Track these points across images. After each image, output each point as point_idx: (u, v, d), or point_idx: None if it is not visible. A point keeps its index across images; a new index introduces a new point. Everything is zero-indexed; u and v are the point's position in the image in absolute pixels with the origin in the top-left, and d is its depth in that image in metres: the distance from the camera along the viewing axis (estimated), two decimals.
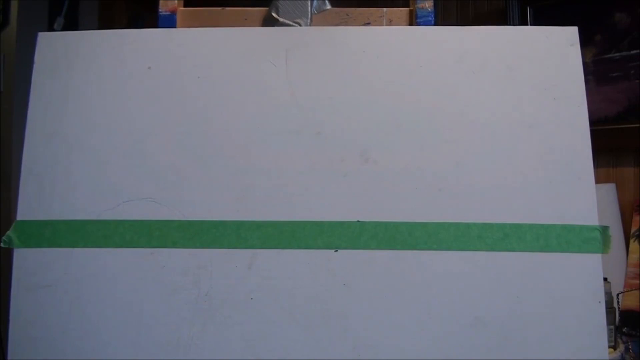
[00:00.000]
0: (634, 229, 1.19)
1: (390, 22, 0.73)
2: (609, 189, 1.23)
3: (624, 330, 1.06)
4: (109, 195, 0.60)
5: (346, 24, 0.73)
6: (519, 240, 0.57)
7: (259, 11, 0.73)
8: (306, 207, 0.59)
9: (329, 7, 0.72)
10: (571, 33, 0.62)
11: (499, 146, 0.60)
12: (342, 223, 0.59)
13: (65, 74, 0.63)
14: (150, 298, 0.58)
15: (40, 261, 0.59)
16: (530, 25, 1.32)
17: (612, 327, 0.98)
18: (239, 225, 0.59)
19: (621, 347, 1.01)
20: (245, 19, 0.73)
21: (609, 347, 0.96)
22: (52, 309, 0.58)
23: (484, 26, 0.63)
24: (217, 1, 0.75)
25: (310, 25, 0.70)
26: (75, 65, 0.63)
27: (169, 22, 0.72)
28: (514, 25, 1.34)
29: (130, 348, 0.57)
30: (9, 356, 0.58)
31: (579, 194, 0.58)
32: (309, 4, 0.70)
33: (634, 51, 1.22)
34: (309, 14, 0.70)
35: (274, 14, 0.70)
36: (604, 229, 0.57)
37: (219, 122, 0.62)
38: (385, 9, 0.73)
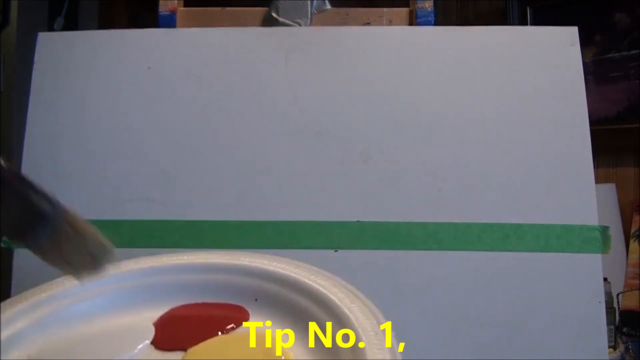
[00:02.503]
0: (634, 229, 1.19)
1: (390, 22, 0.73)
2: (609, 189, 1.23)
3: (624, 330, 1.06)
4: (109, 195, 0.60)
5: (346, 24, 0.73)
6: (519, 240, 0.57)
7: (259, 11, 0.73)
8: (306, 207, 0.59)
9: (329, 7, 0.72)
10: (571, 33, 0.62)
11: (499, 146, 0.60)
12: (342, 223, 0.59)
13: (65, 74, 0.63)
14: None
15: (40, 261, 0.59)
16: (530, 25, 1.33)
17: (612, 327, 0.99)
18: (239, 225, 0.59)
19: (621, 347, 1.01)
20: (245, 19, 0.73)
21: (609, 347, 0.96)
22: None
23: (484, 26, 0.63)
24: (217, 1, 0.75)
25: (310, 25, 0.70)
26: (75, 65, 0.63)
27: (169, 22, 0.71)
28: (514, 25, 1.35)
29: None
30: None
31: (579, 194, 0.58)
32: (309, 4, 0.70)
33: (634, 51, 1.22)
34: (309, 14, 0.70)
35: (274, 14, 0.70)
36: (604, 229, 0.57)
37: (218, 122, 0.62)
38: (385, 9, 0.73)
